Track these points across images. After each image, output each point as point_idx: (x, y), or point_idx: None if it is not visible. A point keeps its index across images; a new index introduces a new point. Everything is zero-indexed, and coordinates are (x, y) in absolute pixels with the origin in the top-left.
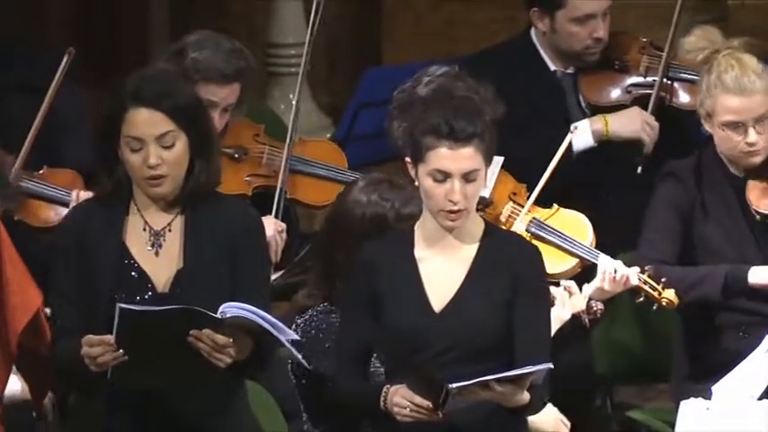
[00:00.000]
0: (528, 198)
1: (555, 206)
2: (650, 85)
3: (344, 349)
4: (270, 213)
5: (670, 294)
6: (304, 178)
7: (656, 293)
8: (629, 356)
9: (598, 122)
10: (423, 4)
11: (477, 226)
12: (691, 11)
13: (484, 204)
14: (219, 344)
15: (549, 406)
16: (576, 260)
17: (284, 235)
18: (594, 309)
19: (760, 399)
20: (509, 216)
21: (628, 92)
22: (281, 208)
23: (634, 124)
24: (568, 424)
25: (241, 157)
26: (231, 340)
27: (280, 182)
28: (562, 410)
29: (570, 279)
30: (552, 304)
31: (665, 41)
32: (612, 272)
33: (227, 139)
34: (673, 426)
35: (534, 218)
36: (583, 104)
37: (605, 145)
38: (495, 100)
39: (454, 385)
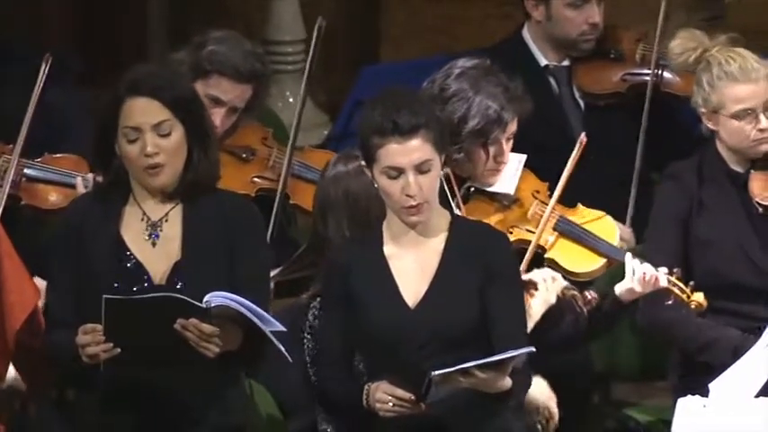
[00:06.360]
0: (550, 196)
1: (579, 205)
2: (645, 74)
3: (327, 351)
4: (268, 217)
5: (699, 297)
6: (309, 186)
7: (684, 296)
8: (627, 354)
9: None
10: (420, 0)
11: (442, 218)
12: (687, 9)
13: (509, 201)
14: (206, 333)
15: (539, 379)
16: (604, 260)
17: None
18: (589, 298)
19: (757, 396)
20: (535, 214)
21: (623, 80)
22: (279, 209)
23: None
24: (554, 398)
25: (248, 158)
26: (218, 330)
27: (281, 183)
28: (560, 407)
29: (595, 277)
30: (536, 288)
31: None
32: (642, 273)
33: (234, 140)
34: (670, 423)
35: (561, 216)
36: (577, 96)
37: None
38: (524, 95)
39: (436, 372)
